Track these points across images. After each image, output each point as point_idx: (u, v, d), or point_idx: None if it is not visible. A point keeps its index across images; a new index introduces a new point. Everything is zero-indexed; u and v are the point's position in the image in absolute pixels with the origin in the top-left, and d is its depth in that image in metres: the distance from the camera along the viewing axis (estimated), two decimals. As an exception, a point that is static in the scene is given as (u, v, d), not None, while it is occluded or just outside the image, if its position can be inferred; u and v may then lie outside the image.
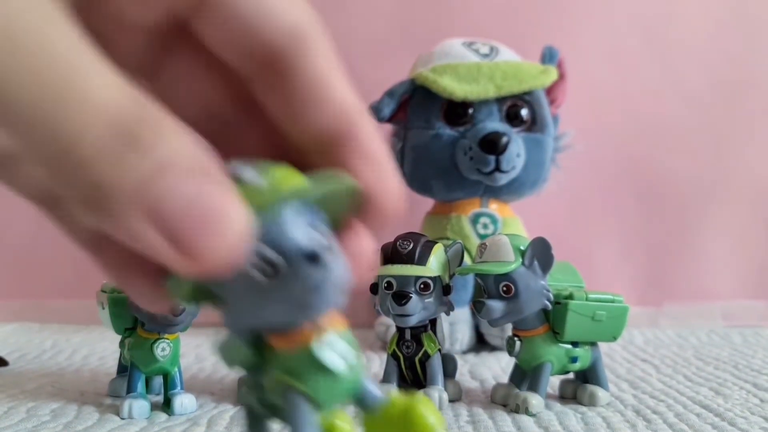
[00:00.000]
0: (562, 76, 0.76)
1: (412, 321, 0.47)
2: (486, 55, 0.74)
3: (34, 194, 0.18)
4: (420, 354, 0.49)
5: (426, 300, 0.47)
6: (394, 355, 0.49)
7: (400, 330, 0.50)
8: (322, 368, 0.17)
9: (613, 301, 0.46)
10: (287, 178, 0.16)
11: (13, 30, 0.12)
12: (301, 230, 0.16)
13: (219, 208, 0.14)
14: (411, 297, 0.46)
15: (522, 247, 0.45)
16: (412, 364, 0.49)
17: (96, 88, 0.13)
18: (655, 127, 0.93)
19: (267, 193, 0.16)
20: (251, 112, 0.19)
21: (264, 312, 0.17)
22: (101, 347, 0.71)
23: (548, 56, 0.76)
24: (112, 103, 0.13)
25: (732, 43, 0.93)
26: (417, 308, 0.47)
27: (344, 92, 0.17)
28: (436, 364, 0.48)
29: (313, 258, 0.16)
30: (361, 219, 0.18)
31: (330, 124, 0.17)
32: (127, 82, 0.14)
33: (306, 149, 0.17)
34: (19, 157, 0.14)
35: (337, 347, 0.17)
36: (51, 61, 0.13)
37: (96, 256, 0.18)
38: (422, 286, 0.47)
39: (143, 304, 0.17)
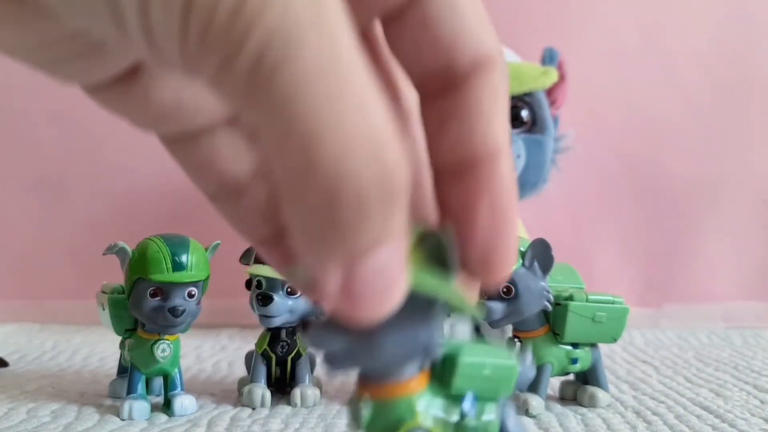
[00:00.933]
0: (562, 78, 0.76)
1: (276, 322, 0.48)
2: (486, 57, 0.74)
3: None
4: (293, 353, 0.50)
5: (292, 302, 0.47)
6: (264, 355, 0.50)
7: (275, 330, 0.50)
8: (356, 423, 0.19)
9: (613, 303, 0.46)
10: None
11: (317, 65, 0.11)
12: None
13: (397, 281, 0.13)
14: (273, 299, 0.47)
15: (522, 249, 0.45)
16: (283, 363, 0.50)
17: (380, 126, 0.12)
18: (655, 128, 0.93)
19: None
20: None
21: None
22: (101, 348, 0.71)
23: (548, 58, 0.76)
24: (378, 145, 0.12)
25: (732, 44, 0.93)
26: (281, 310, 0.47)
27: (501, 130, 0.16)
28: (305, 364, 0.50)
29: (304, 325, 0.17)
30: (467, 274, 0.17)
31: (473, 156, 0.16)
32: (390, 118, 0.12)
33: (438, 168, 0.17)
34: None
35: (367, 413, 0.19)
36: (350, 96, 0.12)
37: (267, 255, 0.17)
38: (291, 288, 0.47)
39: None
